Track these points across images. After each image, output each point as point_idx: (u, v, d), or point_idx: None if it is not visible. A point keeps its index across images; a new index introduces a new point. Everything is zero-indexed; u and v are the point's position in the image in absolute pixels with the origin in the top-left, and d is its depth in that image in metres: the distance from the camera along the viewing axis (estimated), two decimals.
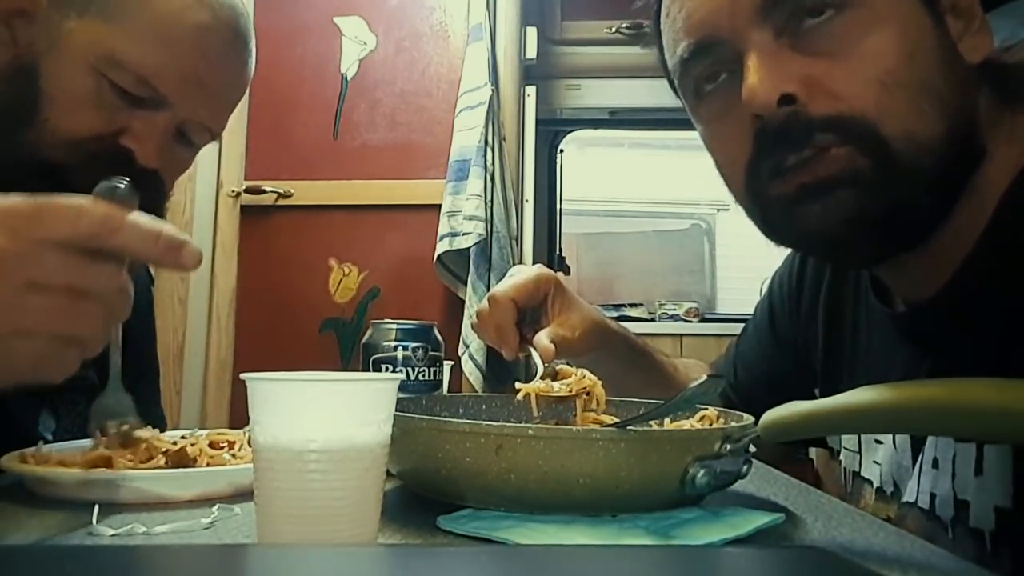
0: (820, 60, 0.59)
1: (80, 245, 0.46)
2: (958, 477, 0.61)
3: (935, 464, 0.64)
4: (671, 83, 0.72)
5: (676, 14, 0.66)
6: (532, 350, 0.80)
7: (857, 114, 0.57)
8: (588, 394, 0.70)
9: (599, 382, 0.71)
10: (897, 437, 0.71)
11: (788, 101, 0.58)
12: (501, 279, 0.86)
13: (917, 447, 0.69)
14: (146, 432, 0.68)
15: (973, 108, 0.60)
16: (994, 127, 0.61)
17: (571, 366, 0.76)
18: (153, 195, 0.81)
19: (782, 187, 0.61)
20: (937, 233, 0.61)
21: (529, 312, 0.83)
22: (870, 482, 0.76)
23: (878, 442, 0.75)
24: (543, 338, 0.80)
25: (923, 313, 0.66)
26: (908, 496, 0.68)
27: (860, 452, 0.78)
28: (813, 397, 0.53)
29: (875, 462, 0.75)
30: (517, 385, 0.71)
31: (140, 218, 0.48)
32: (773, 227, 0.67)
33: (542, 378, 0.73)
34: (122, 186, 0.51)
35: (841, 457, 0.82)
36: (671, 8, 0.67)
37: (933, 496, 0.64)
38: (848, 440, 0.81)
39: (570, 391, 0.69)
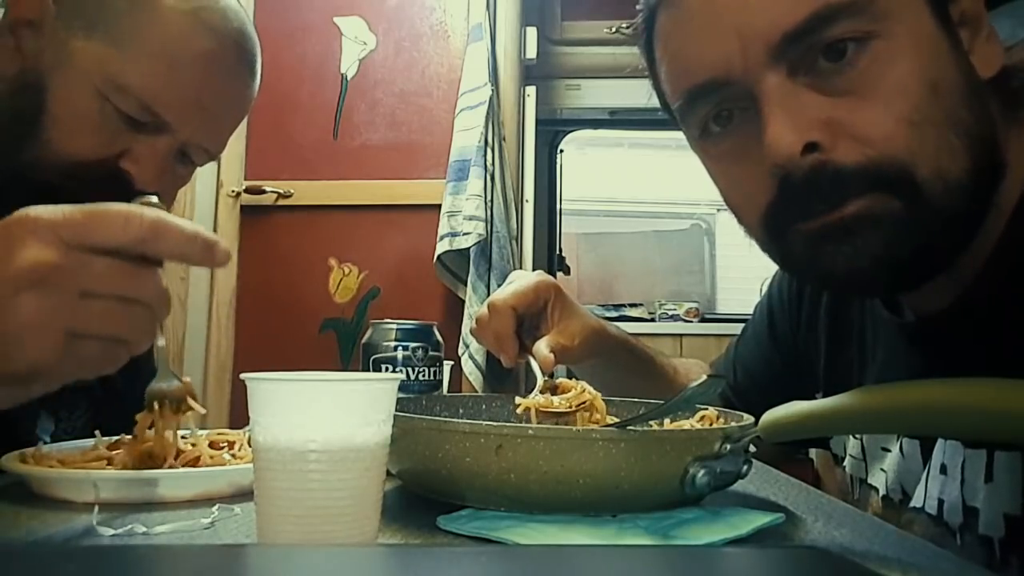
0: (843, 100, 0.55)
1: (129, 251, 0.49)
2: (967, 484, 0.61)
3: (943, 470, 0.63)
4: (668, 111, 0.68)
5: (677, 50, 0.62)
6: (531, 359, 0.79)
7: (889, 158, 0.54)
8: (588, 408, 0.70)
9: (599, 395, 0.71)
10: (905, 444, 0.71)
11: (812, 148, 0.55)
12: (501, 279, 0.86)
13: (927, 453, 0.68)
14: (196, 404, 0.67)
15: (993, 127, 0.58)
16: (1003, 136, 0.59)
17: (573, 378, 0.77)
18: None
19: (806, 226, 0.58)
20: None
21: (528, 319, 0.83)
22: (876, 489, 0.76)
23: (885, 449, 0.74)
24: (543, 348, 0.79)
25: (934, 323, 0.65)
26: (915, 502, 0.67)
27: (865, 459, 0.78)
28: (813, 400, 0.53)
29: (881, 469, 0.75)
30: (517, 400, 0.71)
31: (181, 221, 0.50)
32: (792, 264, 0.64)
33: (541, 392, 0.73)
34: (153, 199, 0.54)
35: (846, 464, 0.82)
36: (669, 43, 0.63)
37: (941, 502, 0.64)
38: (853, 447, 0.80)
39: (570, 406, 0.69)
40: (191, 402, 0.66)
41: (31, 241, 0.46)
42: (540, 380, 0.76)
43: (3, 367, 0.47)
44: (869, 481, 0.77)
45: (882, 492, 0.75)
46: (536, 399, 0.71)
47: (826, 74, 0.55)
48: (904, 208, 0.55)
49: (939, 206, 0.55)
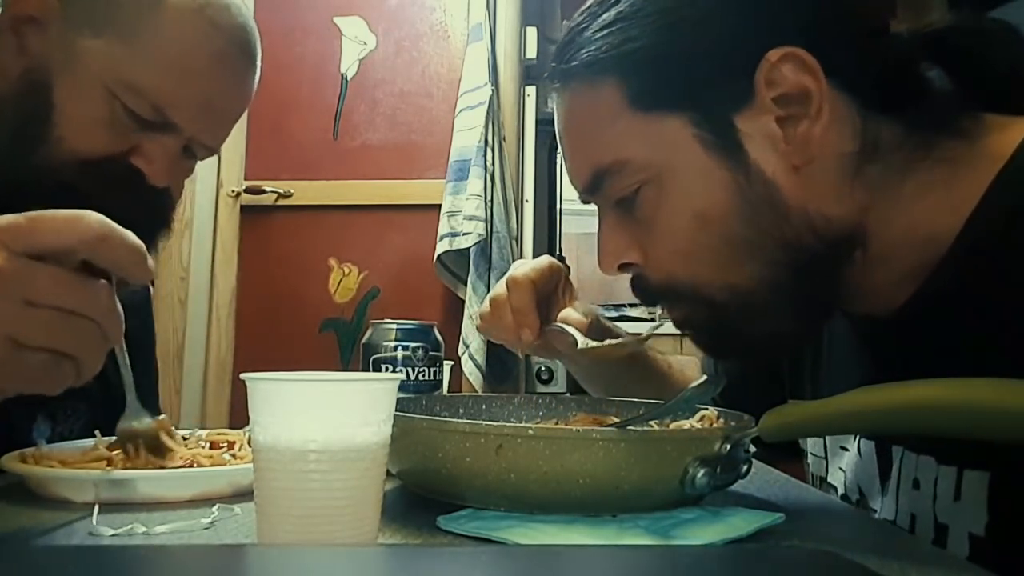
0: (643, 228, 0.64)
1: (73, 256, 0.48)
2: (939, 500, 0.61)
3: (915, 485, 0.63)
4: None
5: None
6: (565, 327, 0.80)
7: (677, 280, 0.63)
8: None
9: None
10: (862, 444, 0.71)
11: (628, 266, 0.66)
12: (501, 279, 0.85)
13: (883, 455, 0.68)
14: (172, 443, 0.67)
15: (808, 219, 0.60)
16: (911, 175, 0.60)
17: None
18: (163, 210, 0.83)
19: None
20: (864, 286, 0.63)
21: (541, 300, 0.83)
22: (835, 488, 0.76)
23: (843, 448, 0.75)
24: (573, 313, 0.81)
25: (882, 325, 0.66)
26: (885, 514, 0.67)
27: (826, 458, 0.78)
28: (783, 398, 0.54)
29: (840, 468, 0.75)
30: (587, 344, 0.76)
31: (125, 232, 0.50)
32: None
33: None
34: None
35: (809, 461, 0.82)
36: None
37: (913, 517, 0.64)
38: (814, 445, 0.80)
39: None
40: (167, 441, 0.66)
41: None
42: (581, 339, 0.77)
43: None
44: (829, 480, 0.77)
45: (840, 491, 0.75)
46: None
47: (631, 209, 0.64)
48: (707, 315, 0.64)
49: (738, 308, 0.62)
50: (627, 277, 0.68)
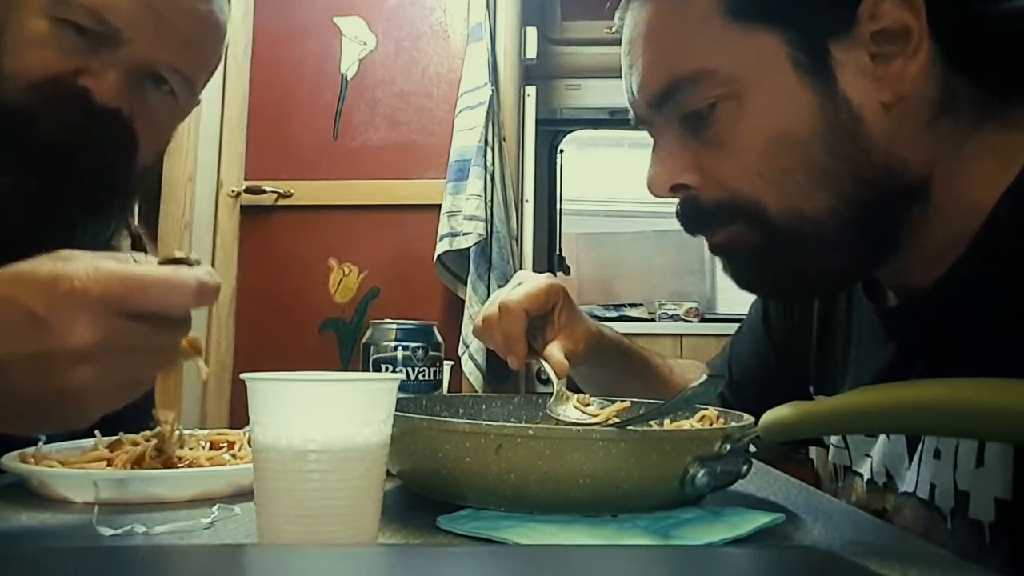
0: (708, 148, 0.63)
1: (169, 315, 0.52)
2: (959, 468, 0.61)
3: (936, 455, 0.64)
4: None
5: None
6: (545, 363, 0.81)
7: (740, 198, 0.62)
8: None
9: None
10: None
11: (681, 188, 0.65)
12: (501, 279, 0.86)
13: (913, 435, 0.68)
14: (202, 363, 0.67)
15: (887, 158, 0.60)
16: (976, 137, 0.60)
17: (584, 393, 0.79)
18: (119, 138, 0.79)
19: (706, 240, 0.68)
20: (910, 247, 0.63)
21: (534, 321, 0.84)
22: (861, 475, 0.76)
23: (869, 435, 0.75)
24: (556, 353, 0.81)
25: (908, 308, 0.66)
26: (906, 486, 0.68)
27: (848, 447, 0.78)
28: (807, 396, 0.53)
29: (866, 455, 0.75)
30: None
31: (214, 278, 0.52)
32: None
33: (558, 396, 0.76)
34: (178, 254, 0.56)
35: (829, 452, 0.82)
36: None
37: (933, 486, 0.64)
38: (835, 436, 0.81)
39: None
40: (199, 362, 0.66)
41: (83, 316, 0.48)
42: (557, 384, 0.78)
43: (60, 419, 0.52)
44: (854, 468, 0.77)
45: (867, 477, 0.75)
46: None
47: (700, 126, 0.63)
48: (761, 239, 0.63)
49: (798, 235, 0.61)
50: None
